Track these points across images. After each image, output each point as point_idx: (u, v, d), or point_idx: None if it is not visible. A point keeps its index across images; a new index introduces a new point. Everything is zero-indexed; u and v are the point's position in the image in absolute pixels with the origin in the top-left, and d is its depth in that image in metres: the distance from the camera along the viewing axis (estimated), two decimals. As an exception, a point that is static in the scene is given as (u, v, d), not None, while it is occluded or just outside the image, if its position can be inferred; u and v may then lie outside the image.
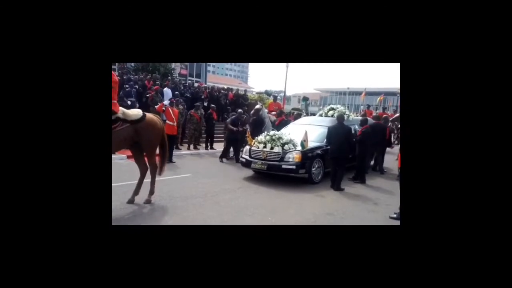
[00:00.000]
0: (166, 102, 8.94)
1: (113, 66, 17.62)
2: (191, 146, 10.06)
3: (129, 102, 9.51)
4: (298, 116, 11.29)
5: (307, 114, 13.62)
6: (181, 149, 9.81)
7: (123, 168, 7.19)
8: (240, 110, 9.88)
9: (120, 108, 4.37)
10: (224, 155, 9.00)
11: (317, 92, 60.45)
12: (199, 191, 5.72)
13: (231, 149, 9.01)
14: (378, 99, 27.58)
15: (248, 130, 8.51)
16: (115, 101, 4.28)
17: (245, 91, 19.55)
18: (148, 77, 12.79)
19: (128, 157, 8.42)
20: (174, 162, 8.21)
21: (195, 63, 29.63)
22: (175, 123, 8.40)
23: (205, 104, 12.69)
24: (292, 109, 19.57)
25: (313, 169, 6.59)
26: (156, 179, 5.06)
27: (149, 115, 4.63)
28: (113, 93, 4.04)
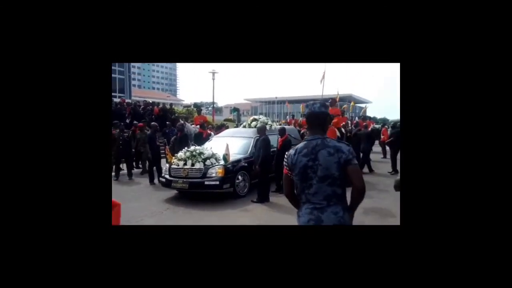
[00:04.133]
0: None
1: None
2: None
3: None
4: (221, 127, 11.35)
5: (237, 125, 13.66)
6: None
7: None
8: (153, 123, 9.32)
9: None
10: (150, 174, 8.46)
11: (248, 102, 61.67)
12: (125, 216, 5.39)
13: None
14: (300, 106, 29.24)
15: (167, 146, 8.15)
16: None
17: (171, 104, 19.16)
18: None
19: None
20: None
21: (117, 77, 28.33)
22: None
23: (128, 121, 12.19)
24: (225, 119, 19.66)
25: (237, 181, 6.52)
26: None
27: None
28: None
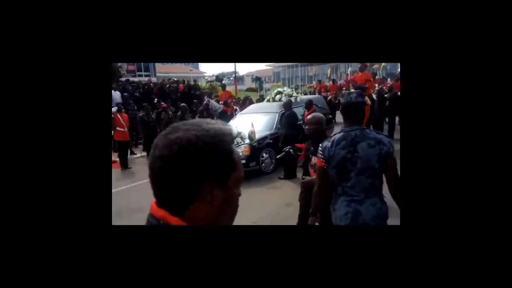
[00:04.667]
0: (113, 108, 8.84)
1: None
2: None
3: None
4: (244, 102, 11.31)
5: (261, 98, 13.57)
6: (136, 153, 9.77)
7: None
8: (183, 104, 9.58)
9: None
10: None
11: (269, 68, 60.64)
12: None
13: None
14: (327, 69, 28.06)
15: None
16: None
17: (195, 81, 19.33)
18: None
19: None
20: (130, 168, 8.25)
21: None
22: (126, 129, 8.37)
23: (155, 101, 12.59)
24: (247, 89, 19.53)
25: (262, 158, 6.63)
26: (113, 191, 5.12)
27: None
28: None
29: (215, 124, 0.70)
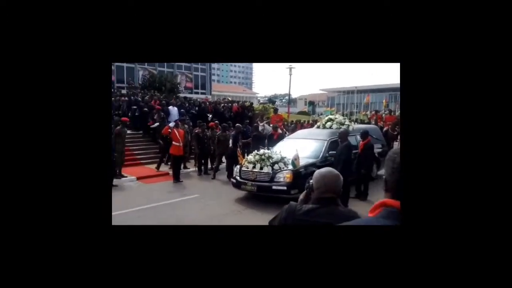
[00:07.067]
0: (171, 124, 9.42)
1: (122, 89, 18.04)
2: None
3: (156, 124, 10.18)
4: (295, 128, 11.33)
5: (314, 120, 13.35)
6: (188, 167, 10.10)
7: (133, 192, 7.49)
8: (238, 125, 9.86)
9: None
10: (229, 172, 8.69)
11: (323, 92, 60.43)
12: (206, 214, 5.86)
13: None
14: (383, 97, 27.34)
15: (239, 149, 8.29)
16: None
17: (251, 103, 19.83)
18: (155, 97, 13.40)
19: (139, 178, 9.02)
20: (182, 181, 8.52)
21: (199, 75, 30.27)
22: (181, 144, 8.83)
23: (209, 119, 13.14)
24: (299, 112, 19.67)
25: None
26: (164, 202, 5.42)
27: None
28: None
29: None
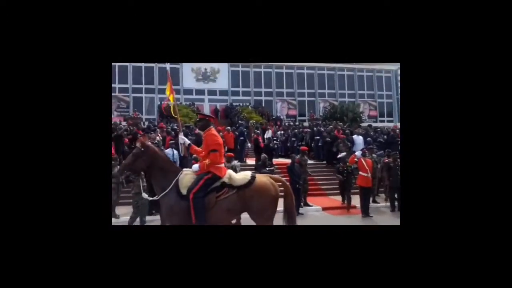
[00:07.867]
0: (357, 153, 8.64)
1: (304, 122, 18.92)
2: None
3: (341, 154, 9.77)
4: None
5: None
6: (378, 202, 9.13)
7: (318, 222, 6.93)
8: None
9: (228, 171, 3.69)
10: None
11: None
12: None
13: None
14: None
15: None
16: (222, 165, 3.65)
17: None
18: (338, 126, 12.99)
19: (324, 209, 8.45)
20: (372, 216, 7.64)
21: (384, 102, 28.56)
22: (369, 174, 7.93)
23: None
24: None
25: None
26: None
27: (259, 178, 3.66)
28: (219, 156, 3.59)
29: None
